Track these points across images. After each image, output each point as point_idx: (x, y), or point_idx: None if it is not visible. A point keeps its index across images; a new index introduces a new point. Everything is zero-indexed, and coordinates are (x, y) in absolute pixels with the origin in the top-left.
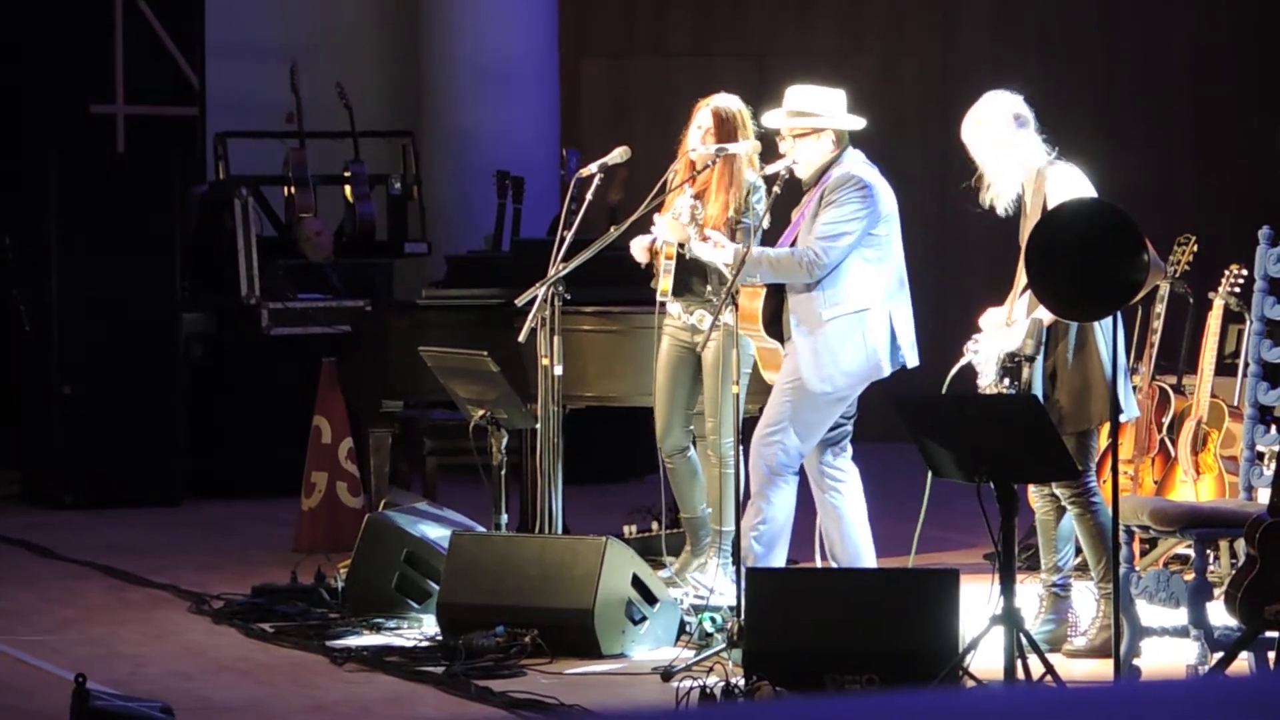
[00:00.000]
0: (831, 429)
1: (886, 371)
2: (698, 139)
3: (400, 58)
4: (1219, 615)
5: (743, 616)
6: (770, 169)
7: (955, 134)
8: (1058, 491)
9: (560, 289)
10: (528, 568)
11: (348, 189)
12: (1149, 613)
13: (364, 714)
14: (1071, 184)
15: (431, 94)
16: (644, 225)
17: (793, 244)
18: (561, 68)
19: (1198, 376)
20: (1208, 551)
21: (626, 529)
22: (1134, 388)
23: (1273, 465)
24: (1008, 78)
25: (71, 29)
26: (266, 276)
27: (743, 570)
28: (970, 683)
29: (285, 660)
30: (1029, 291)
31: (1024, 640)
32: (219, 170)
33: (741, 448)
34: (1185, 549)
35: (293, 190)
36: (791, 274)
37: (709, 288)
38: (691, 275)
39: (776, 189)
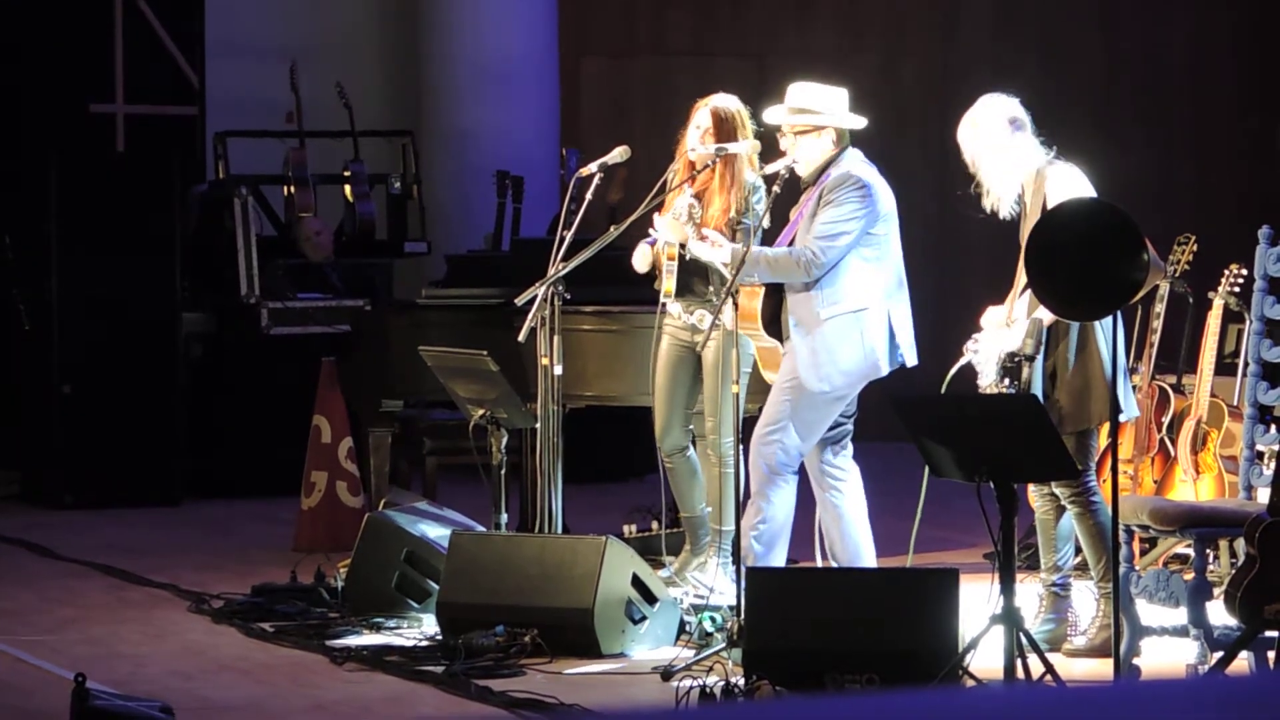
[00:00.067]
0: (832, 428)
1: (885, 371)
2: (696, 139)
3: (400, 58)
4: (1219, 615)
5: (743, 616)
6: (770, 169)
7: (955, 134)
8: (1057, 491)
9: (560, 288)
10: (528, 567)
11: (347, 188)
12: (1149, 612)
13: (364, 713)
14: (1071, 184)
15: (431, 94)
16: (644, 225)
17: (791, 243)
18: (561, 67)
19: (1197, 376)
20: (1207, 551)
21: (626, 528)
22: (1134, 387)
23: (1272, 465)
24: (1007, 78)
25: (71, 29)
26: (266, 276)
27: (743, 570)
28: (970, 682)
29: (285, 660)
30: (1029, 291)
31: (1024, 640)
32: (219, 170)
33: (741, 447)
34: (1185, 548)
35: (292, 190)
36: (789, 273)
37: (710, 288)
38: (692, 275)
39: (776, 189)
